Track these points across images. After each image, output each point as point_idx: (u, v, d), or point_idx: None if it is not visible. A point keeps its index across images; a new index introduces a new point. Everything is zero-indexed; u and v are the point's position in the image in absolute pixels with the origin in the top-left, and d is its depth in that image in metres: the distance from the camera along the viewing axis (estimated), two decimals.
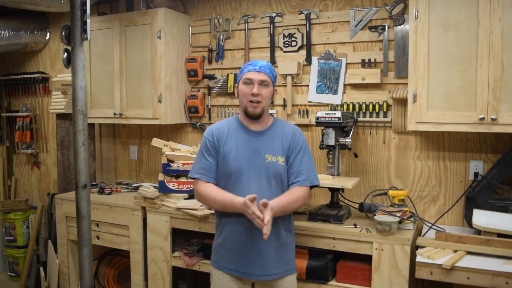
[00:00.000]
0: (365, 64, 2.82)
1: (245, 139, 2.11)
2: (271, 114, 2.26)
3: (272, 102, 3.08)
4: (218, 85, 3.28)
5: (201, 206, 2.71)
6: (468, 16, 2.23)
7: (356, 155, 2.75)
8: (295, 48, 3.03)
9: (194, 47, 3.43)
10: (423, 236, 2.40)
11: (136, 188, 3.27)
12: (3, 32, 3.86)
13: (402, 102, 2.67)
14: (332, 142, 2.58)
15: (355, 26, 2.85)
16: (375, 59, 2.79)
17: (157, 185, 2.90)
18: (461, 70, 2.27)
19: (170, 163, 2.83)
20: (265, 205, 1.88)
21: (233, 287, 2.09)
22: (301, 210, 2.59)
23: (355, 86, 2.86)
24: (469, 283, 2.02)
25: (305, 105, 3.01)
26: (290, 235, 2.16)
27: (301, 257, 2.42)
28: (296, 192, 2.07)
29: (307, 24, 2.97)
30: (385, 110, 2.77)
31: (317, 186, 2.16)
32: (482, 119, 2.21)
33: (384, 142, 2.82)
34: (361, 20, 2.83)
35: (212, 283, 2.18)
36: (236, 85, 2.16)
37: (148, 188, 2.89)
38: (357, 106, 2.83)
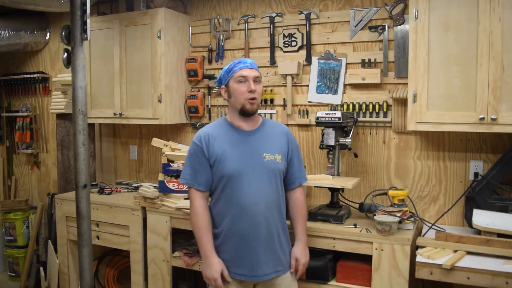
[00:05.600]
0: (365, 64, 2.82)
1: (238, 139, 2.08)
2: (259, 114, 2.24)
3: (272, 101, 3.10)
4: None
5: None
6: (468, 16, 2.23)
7: (356, 155, 2.75)
8: (295, 48, 3.03)
9: (194, 47, 3.43)
10: (423, 236, 2.40)
11: (136, 188, 3.27)
12: (3, 32, 3.86)
13: (402, 102, 2.67)
14: (332, 142, 2.58)
15: (355, 26, 2.85)
16: (375, 59, 2.79)
17: (157, 185, 2.89)
18: (461, 70, 2.27)
19: (170, 163, 2.83)
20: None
21: None
22: None
23: (355, 86, 2.86)
24: (469, 283, 2.02)
25: (305, 105, 3.01)
26: (287, 232, 2.17)
27: None
28: (299, 198, 2.19)
29: (307, 24, 2.96)
30: (385, 110, 2.77)
31: None
32: (482, 119, 2.21)
33: (384, 142, 2.82)
34: (361, 20, 2.83)
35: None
36: (223, 86, 2.10)
37: (148, 188, 2.89)
38: (357, 106, 2.83)
